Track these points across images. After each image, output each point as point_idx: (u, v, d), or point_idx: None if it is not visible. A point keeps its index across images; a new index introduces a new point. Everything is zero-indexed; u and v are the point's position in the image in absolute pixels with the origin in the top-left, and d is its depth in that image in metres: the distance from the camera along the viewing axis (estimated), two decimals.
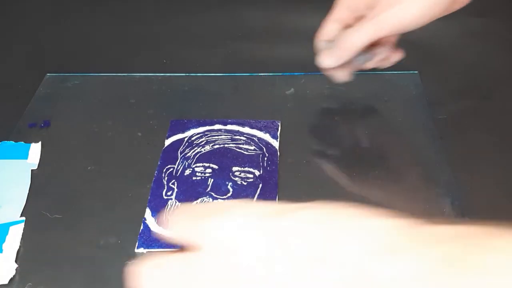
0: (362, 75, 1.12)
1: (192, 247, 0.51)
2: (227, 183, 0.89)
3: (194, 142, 0.97)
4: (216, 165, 0.92)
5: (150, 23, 1.35)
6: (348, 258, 0.45)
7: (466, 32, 1.27)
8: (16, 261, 0.80)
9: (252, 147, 0.96)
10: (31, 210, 0.87)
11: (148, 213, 0.86)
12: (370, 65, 0.97)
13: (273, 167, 0.93)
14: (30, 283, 0.77)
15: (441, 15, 0.87)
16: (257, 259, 0.48)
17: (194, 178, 0.91)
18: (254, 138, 0.98)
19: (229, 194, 0.88)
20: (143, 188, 0.90)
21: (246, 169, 0.92)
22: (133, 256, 0.80)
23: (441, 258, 0.43)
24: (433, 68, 1.16)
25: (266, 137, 0.98)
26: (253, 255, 0.48)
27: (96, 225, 0.85)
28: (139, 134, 1.01)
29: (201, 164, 0.93)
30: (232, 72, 1.15)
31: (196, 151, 0.95)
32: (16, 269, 0.78)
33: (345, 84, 1.01)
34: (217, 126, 1.01)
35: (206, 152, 0.95)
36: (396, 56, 0.98)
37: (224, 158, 0.93)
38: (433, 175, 0.90)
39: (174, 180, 0.91)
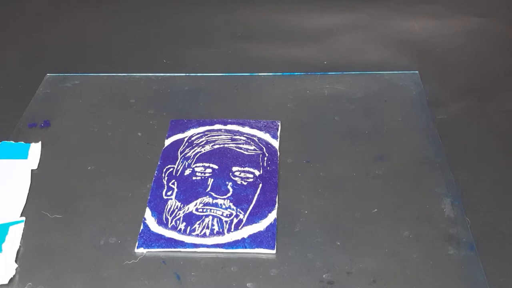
0: (362, 75, 1.13)
1: None
2: (227, 183, 0.89)
3: (194, 142, 0.97)
4: (216, 165, 0.92)
5: (150, 24, 1.35)
6: None
7: (466, 32, 1.27)
8: (16, 261, 0.80)
9: (252, 147, 0.96)
10: (31, 210, 0.87)
11: (148, 213, 0.86)
12: None
13: (273, 167, 0.93)
14: (30, 283, 0.77)
15: None
16: None
17: (194, 178, 0.91)
18: (254, 138, 0.98)
19: (229, 194, 0.88)
20: (143, 188, 0.90)
21: (246, 169, 0.92)
22: (133, 256, 0.80)
23: None
24: (433, 68, 1.16)
25: (266, 137, 0.98)
26: None
27: (96, 225, 0.85)
28: (139, 134, 1.01)
29: (201, 164, 0.93)
30: (232, 72, 1.15)
31: (196, 151, 0.95)
32: (16, 269, 0.78)
33: (345, 84, 1.01)
34: (217, 126, 1.01)
35: (206, 152, 0.95)
36: None
37: (224, 158, 0.93)
38: (433, 175, 0.90)
39: (174, 180, 0.91)
